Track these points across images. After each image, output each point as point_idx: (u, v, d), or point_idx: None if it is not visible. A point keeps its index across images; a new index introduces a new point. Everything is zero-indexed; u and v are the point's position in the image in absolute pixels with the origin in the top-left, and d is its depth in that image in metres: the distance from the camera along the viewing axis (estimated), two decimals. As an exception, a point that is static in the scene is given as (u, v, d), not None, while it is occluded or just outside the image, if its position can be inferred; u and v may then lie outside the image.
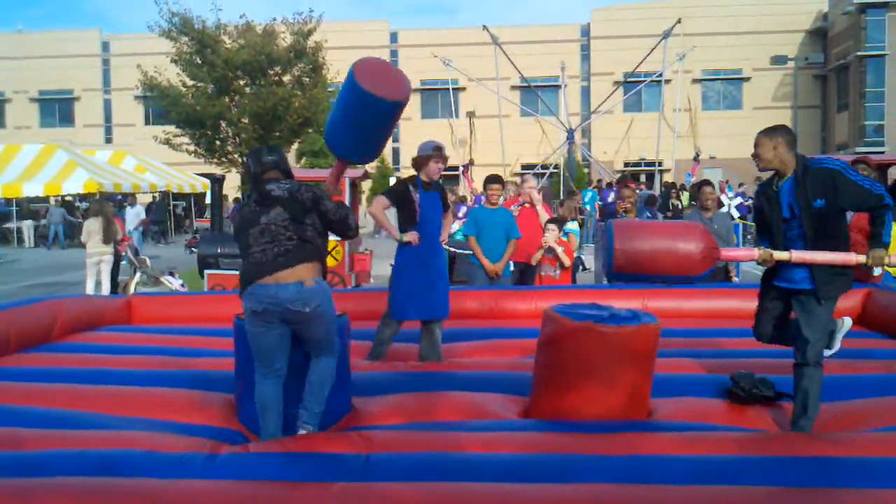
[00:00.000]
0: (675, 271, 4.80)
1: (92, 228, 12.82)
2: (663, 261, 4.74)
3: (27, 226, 29.48)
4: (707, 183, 9.48)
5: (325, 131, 5.05)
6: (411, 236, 6.07)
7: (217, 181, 12.82)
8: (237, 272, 11.58)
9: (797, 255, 4.52)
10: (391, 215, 6.40)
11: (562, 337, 4.62)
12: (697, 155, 34.63)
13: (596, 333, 4.48)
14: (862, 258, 4.54)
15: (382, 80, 4.71)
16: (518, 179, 9.79)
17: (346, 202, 11.61)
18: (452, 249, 13.24)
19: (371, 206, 6.52)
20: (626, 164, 44.22)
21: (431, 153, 6.17)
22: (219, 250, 11.75)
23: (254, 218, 4.51)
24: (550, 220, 9.19)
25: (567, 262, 8.89)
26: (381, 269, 14.93)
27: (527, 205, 9.28)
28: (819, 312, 4.52)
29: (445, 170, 6.35)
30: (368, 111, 4.71)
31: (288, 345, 4.52)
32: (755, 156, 4.70)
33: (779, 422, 4.70)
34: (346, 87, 4.80)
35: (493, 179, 8.50)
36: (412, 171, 6.39)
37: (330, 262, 11.34)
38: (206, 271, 11.69)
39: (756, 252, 4.65)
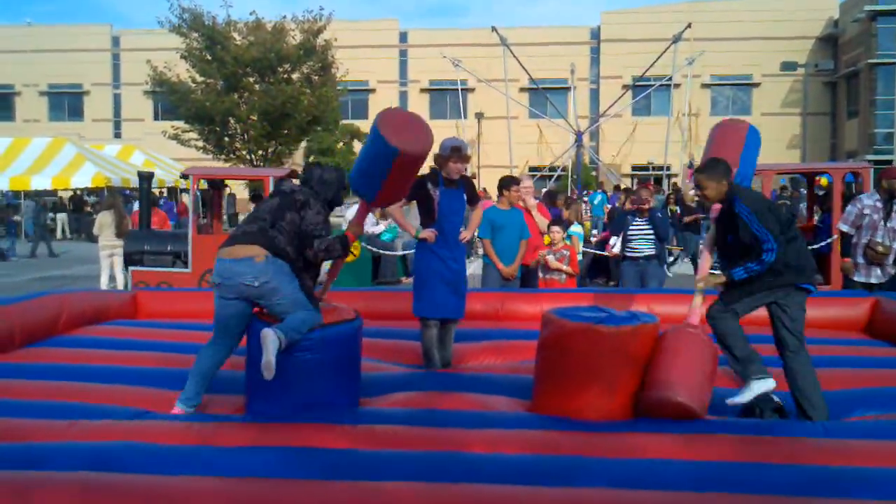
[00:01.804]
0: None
1: (105, 221, 12.88)
2: None
3: (61, 218, 29.62)
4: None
5: (350, 175, 5.24)
6: (427, 234, 5.98)
7: (146, 178, 12.99)
8: (162, 269, 11.67)
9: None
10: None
11: (561, 338, 4.63)
12: (691, 163, 34.55)
13: (594, 334, 4.50)
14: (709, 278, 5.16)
15: (405, 132, 4.88)
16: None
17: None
18: (375, 250, 13.35)
19: None
20: (634, 168, 44.18)
21: (450, 154, 6.03)
22: (145, 248, 11.96)
23: (257, 205, 5.06)
24: (553, 222, 9.12)
25: (570, 271, 8.83)
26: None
27: (521, 203, 9.09)
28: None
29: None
30: (389, 161, 4.86)
31: (242, 322, 4.82)
32: (703, 196, 5.16)
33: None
34: (371, 136, 5.00)
35: (514, 180, 8.43)
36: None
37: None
38: (131, 268, 11.87)
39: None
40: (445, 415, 4.71)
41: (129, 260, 12.03)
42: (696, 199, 8.93)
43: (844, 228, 8.21)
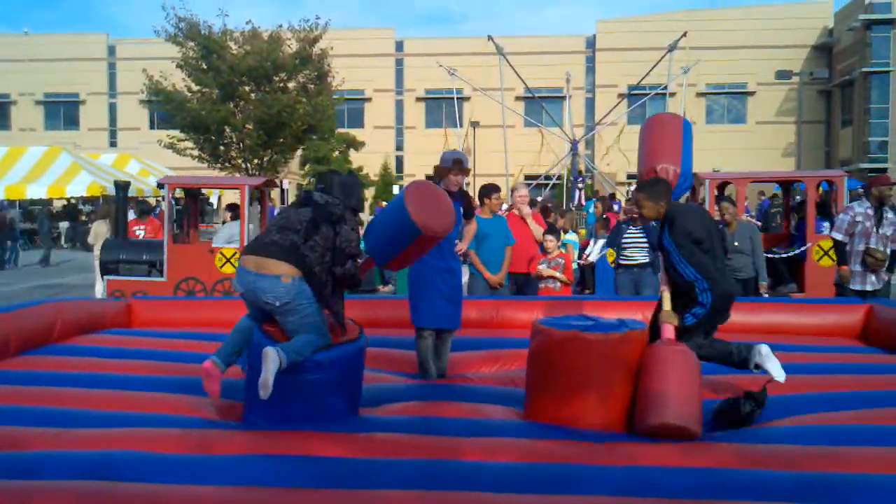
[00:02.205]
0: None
1: (100, 231, 12.87)
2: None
3: (63, 227, 29.61)
4: (724, 198, 9.54)
5: (366, 233, 5.10)
6: None
7: (122, 187, 12.99)
8: (137, 279, 11.43)
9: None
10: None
11: (549, 348, 4.64)
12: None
13: (582, 342, 4.50)
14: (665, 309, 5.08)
15: (431, 211, 4.78)
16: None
17: (245, 211, 11.54)
18: None
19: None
20: (630, 176, 44.26)
21: (451, 166, 6.03)
22: (121, 257, 11.98)
23: (286, 211, 4.90)
24: (547, 231, 9.14)
25: (565, 279, 8.85)
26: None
27: (515, 212, 9.19)
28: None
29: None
30: (411, 238, 4.78)
31: (262, 319, 4.80)
32: (640, 215, 5.33)
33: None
34: (395, 207, 4.88)
35: (495, 188, 8.44)
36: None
37: (228, 269, 11.37)
38: (106, 277, 11.85)
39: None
40: (441, 423, 4.70)
41: (104, 269, 12.04)
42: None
43: (839, 237, 8.25)
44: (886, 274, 8.27)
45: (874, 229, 8.10)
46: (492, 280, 8.15)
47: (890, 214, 8.24)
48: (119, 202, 13.08)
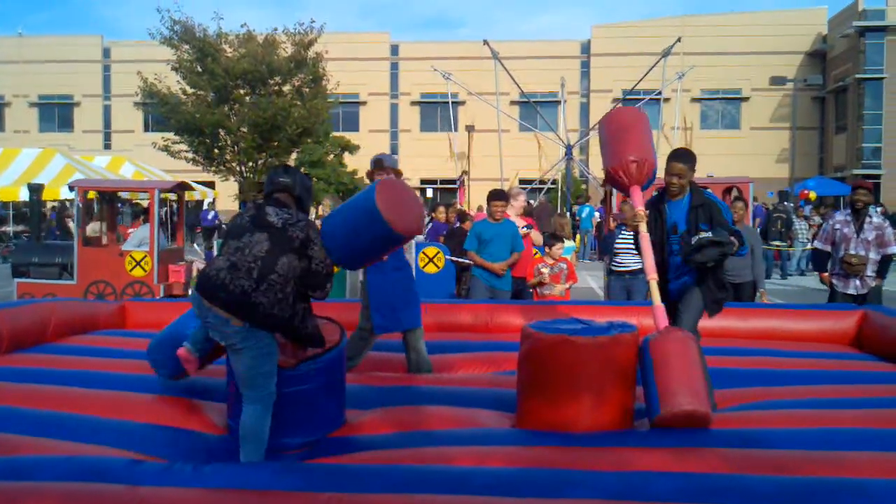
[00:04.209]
0: None
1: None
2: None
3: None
4: (738, 199, 9.58)
5: (323, 226, 4.72)
6: None
7: (35, 190, 12.97)
8: (48, 282, 10.89)
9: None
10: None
11: (538, 352, 4.64)
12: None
13: (571, 346, 4.50)
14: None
15: (399, 206, 4.56)
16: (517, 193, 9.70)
17: (155, 214, 11.35)
18: None
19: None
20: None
21: (373, 167, 6.09)
22: (33, 259, 12.01)
23: (240, 231, 4.40)
24: (552, 236, 9.16)
25: (567, 284, 8.87)
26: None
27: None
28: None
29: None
30: (375, 231, 4.54)
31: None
32: (674, 182, 5.23)
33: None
34: (362, 199, 4.63)
35: (497, 196, 8.43)
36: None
37: (138, 272, 11.36)
38: (17, 280, 11.85)
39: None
40: (430, 429, 4.69)
41: (15, 272, 12.07)
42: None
43: (819, 246, 8.73)
44: (876, 280, 8.38)
45: (854, 235, 8.35)
46: (494, 268, 8.12)
47: (875, 219, 8.37)
48: (33, 205, 13.08)
